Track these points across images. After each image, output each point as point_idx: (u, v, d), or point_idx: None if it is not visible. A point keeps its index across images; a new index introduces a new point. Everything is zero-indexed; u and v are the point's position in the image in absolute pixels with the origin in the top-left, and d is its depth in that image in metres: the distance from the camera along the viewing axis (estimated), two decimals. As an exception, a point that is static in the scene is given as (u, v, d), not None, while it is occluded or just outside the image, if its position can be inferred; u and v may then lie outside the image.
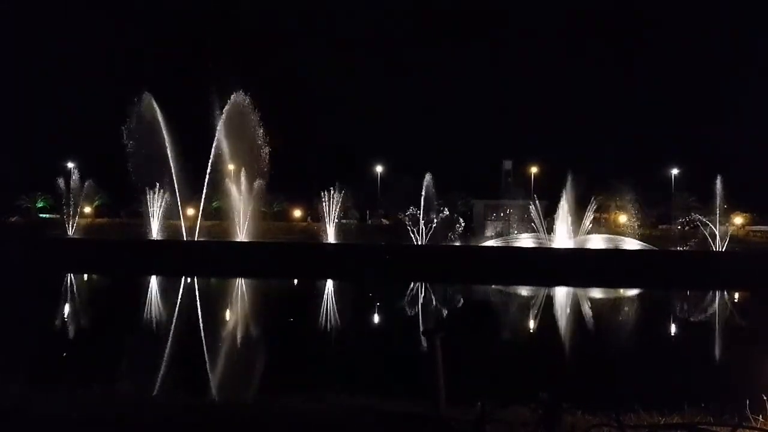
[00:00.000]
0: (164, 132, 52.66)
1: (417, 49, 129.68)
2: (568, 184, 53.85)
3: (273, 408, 7.42)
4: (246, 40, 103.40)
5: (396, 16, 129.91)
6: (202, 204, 54.78)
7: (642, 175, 63.42)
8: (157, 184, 55.58)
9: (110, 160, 56.89)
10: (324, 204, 59.85)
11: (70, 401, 7.48)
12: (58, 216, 66.35)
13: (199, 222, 54.84)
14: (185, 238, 53.48)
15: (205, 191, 53.93)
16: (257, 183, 55.45)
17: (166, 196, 55.41)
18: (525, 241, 56.39)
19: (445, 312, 28.07)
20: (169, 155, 53.17)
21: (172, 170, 53.94)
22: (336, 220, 60.15)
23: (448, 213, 59.75)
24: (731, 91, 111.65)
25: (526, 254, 47.29)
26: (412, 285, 36.16)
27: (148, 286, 35.43)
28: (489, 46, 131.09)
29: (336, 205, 59.71)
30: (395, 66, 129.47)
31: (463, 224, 61.10)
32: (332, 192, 59.90)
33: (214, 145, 53.04)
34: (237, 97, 53.05)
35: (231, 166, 58.69)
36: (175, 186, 53.92)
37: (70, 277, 38.01)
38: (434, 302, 31.34)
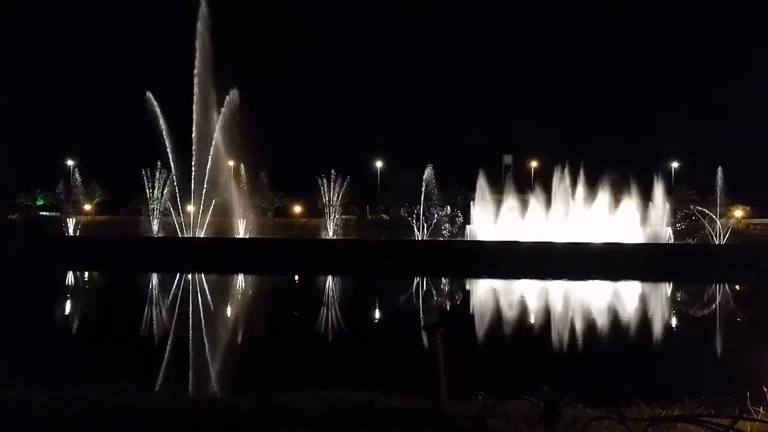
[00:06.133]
0: (164, 129, 52.65)
1: (416, 44, 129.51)
2: (566, 171, 53.78)
3: (274, 403, 7.43)
4: (245, 36, 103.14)
5: (393, 10, 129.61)
6: (202, 201, 54.72)
7: (642, 168, 63.29)
8: (157, 180, 55.59)
9: (109, 157, 56.91)
10: (322, 190, 59.62)
11: (73, 396, 7.49)
12: (58, 214, 66.36)
13: (199, 218, 54.74)
14: (191, 233, 53.49)
15: (205, 188, 53.87)
16: (257, 179, 55.42)
17: (165, 193, 55.38)
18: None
19: (445, 306, 28.09)
20: (170, 154, 53.20)
21: (172, 167, 53.93)
22: (337, 216, 60.02)
23: (460, 216, 59.36)
24: (732, 84, 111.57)
25: (527, 248, 47.20)
26: (412, 280, 36.17)
27: (149, 283, 35.46)
28: (489, 38, 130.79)
29: (337, 196, 59.36)
30: (395, 61, 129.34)
31: (461, 218, 60.63)
32: (331, 181, 59.63)
33: (213, 142, 52.98)
34: (235, 94, 53.09)
35: (231, 162, 58.58)
36: (175, 183, 53.91)
37: (71, 275, 38.05)
38: (435, 297, 31.36)
